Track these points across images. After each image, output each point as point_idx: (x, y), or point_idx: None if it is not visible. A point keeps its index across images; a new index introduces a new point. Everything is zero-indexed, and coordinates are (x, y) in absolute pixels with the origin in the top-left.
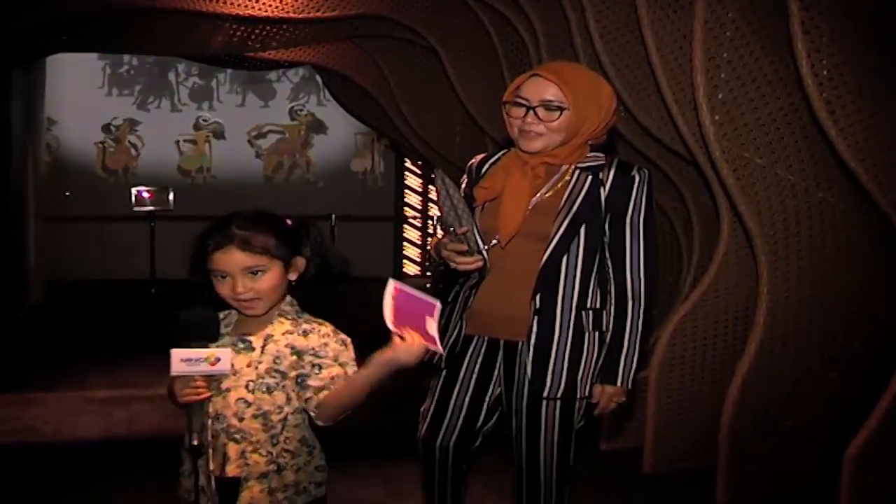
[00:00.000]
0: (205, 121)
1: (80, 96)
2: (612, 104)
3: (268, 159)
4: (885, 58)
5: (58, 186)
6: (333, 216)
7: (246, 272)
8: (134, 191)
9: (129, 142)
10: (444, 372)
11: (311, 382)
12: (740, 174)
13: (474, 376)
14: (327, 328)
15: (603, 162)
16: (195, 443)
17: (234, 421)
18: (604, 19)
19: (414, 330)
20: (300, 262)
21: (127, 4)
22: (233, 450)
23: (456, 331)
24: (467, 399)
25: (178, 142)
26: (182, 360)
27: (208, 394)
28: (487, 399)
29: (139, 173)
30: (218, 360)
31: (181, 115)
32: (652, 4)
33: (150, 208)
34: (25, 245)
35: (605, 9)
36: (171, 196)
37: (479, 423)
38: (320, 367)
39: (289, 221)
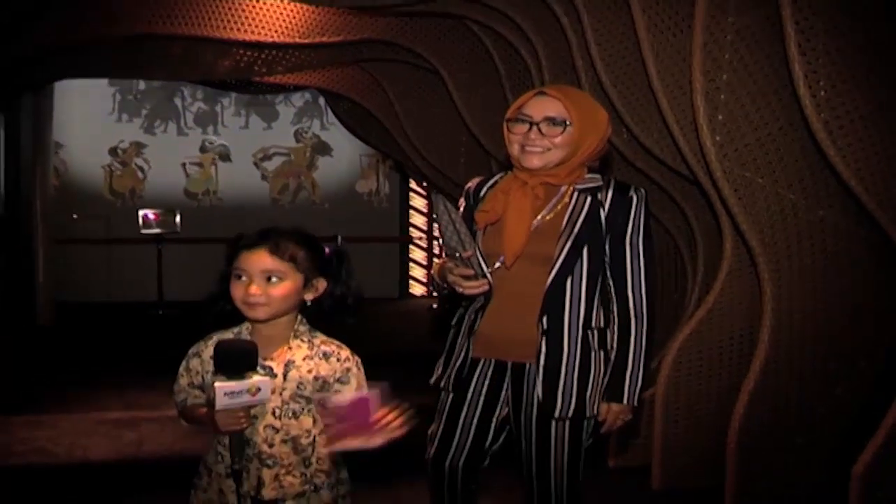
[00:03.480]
0: (211, 143)
1: (87, 120)
2: (608, 131)
3: (273, 181)
4: (882, 79)
5: (66, 209)
6: (339, 237)
7: (264, 275)
8: (141, 213)
9: (135, 165)
10: (451, 395)
11: None
12: (741, 194)
13: (482, 398)
14: (345, 351)
15: (600, 183)
16: (236, 467)
17: (264, 447)
18: (605, 42)
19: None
20: (321, 284)
21: (136, 31)
22: (267, 474)
23: (462, 354)
24: (475, 420)
25: (184, 164)
26: (226, 394)
27: (249, 423)
28: (495, 419)
29: (146, 196)
30: (259, 389)
31: (187, 139)
32: (652, 28)
33: (157, 230)
34: (34, 267)
35: (606, 32)
36: (177, 218)
37: (487, 443)
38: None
39: (327, 249)
